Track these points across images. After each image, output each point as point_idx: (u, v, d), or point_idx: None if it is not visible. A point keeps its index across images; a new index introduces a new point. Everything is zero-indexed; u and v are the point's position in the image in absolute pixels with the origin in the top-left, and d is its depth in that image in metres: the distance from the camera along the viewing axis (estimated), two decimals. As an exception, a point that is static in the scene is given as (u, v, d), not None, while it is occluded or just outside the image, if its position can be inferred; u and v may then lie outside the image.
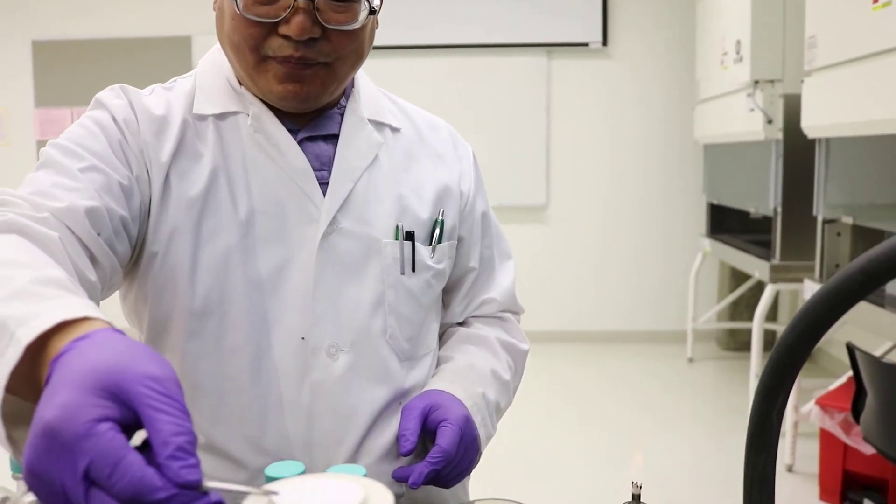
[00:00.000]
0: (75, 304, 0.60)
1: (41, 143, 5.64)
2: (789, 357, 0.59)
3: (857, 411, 2.55)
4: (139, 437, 0.50)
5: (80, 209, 0.86)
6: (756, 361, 3.78)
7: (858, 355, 2.52)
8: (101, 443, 0.48)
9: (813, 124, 3.08)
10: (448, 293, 1.18)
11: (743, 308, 5.10)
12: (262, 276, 0.98)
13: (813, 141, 3.16)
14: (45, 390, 0.52)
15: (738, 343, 5.19)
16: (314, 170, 1.01)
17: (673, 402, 4.26)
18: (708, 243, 4.71)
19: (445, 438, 0.93)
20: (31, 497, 0.75)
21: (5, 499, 0.77)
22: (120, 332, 0.57)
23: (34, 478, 0.49)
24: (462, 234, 1.14)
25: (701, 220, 5.04)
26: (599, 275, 5.53)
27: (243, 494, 0.48)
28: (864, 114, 2.66)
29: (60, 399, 0.49)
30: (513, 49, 5.35)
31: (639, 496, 0.83)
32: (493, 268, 1.19)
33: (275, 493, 0.46)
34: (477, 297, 1.18)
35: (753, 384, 3.77)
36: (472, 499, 1.03)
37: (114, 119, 0.96)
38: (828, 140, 3.04)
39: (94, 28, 5.45)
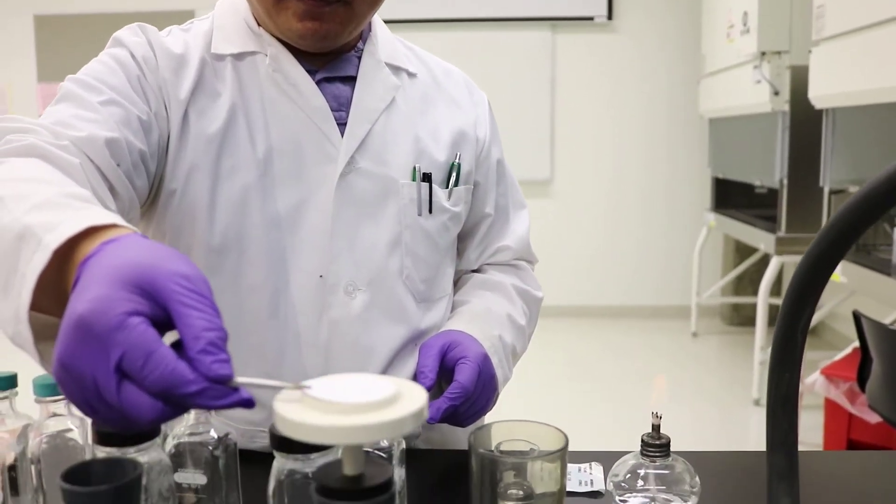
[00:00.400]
0: (102, 213, 0.60)
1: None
2: (815, 270, 0.59)
3: (862, 380, 2.56)
4: (169, 338, 0.50)
5: (99, 139, 0.86)
6: (761, 335, 3.79)
7: (865, 322, 2.52)
8: (134, 335, 0.48)
9: (820, 94, 3.07)
10: (463, 240, 1.18)
11: (747, 283, 5.10)
12: (280, 214, 0.98)
13: (819, 112, 3.15)
14: (74, 289, 0.52)
15: (741, 318, 5.20)
16: (332, 110, 1.01)
17: (677, 376, 4.27)
18: (713, 217, 4.70)
19: (464, 375, 0.93)
20: (51, 423, 0.75)
21: (27, 426, 0.77)
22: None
23: (65, 371, 0.49)
24: (478, 179, 1.15)
25: (705, 194, 5.03)
26: (604, 250, 5.53)
27: (275, 391, 0.48)
28: (872, 82, 2.65)
29: (92, 293, 0.49)
30: (517, 23, 5.32)
31: (658, 427, 0.83)
32: (508, 216, 1.19)
33: (307, 386, 0.47)
34: (492, 245, 1.18)
35: (758, 358, 3.78)
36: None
37: (132, 56, 0.96)
38: (834, 110, 3.03)
39: (96, 2, 5.42)
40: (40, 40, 5.56)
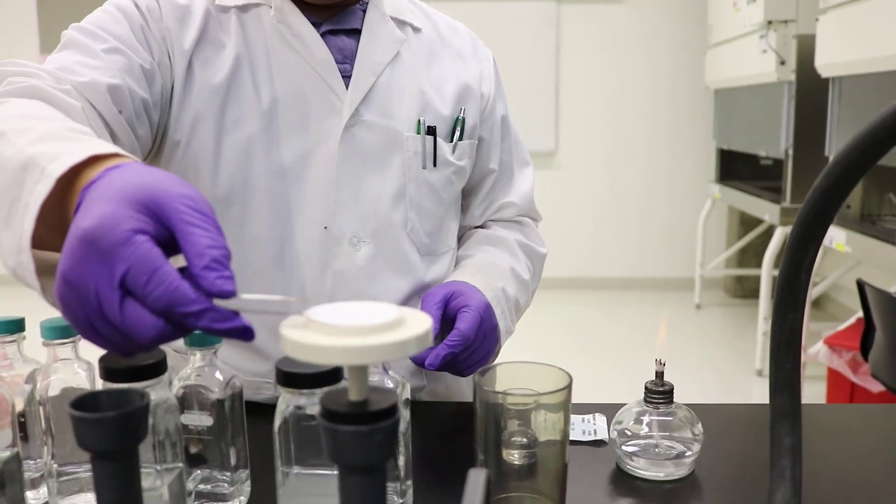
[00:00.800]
0: (105, 144, 0.59)
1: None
2: (820, 208, 0.59)
3: (865, 349, 2.56)
4: (175, 263, 0.50)
5: (102, 85, 0.86)
6: (764, 306, 3.79)
7: (869, 291, 2.52)
8: (139, 251, 0.48)
9: (826, 63, 3.05)
10: (467, 196, 1.18)
11: (751, 255, 5.10)
12: (285, 165, 0.99)
13: (826, 82, 3.13)
14: (77, 211, 0.51)
15: (745, 290, 5.20)
16: (337, 62, 1.01)
17: (681, 348, 4.28)
18: (717, 189, 4.69)
19: (465, 323, 0.94)
20: (59, 366, 0.76)
21: (35, 370, 0.78)
22: None
23: (67, 287, 0.49)
24: (482, 134, 1.14)
25: (710, 166, 5.02)
26: (608, 221, 5.52)
27: (281, 317, 0.48)
28: (879, 50, 2.63)
29: (99, 210, 0.49)
30: (522, -6, 5.28)
31: (662, 374, 0.83)
32: (512, 172, 1.19)
33: (310, 299, 0.47)
34: (496, 201, 1.18)
35: (762, 329, 3.78)
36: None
37: (136, 5, 0.96)
38: (841, 79, 3.01)
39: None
40: (42, 11, 5.52)
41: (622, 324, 4.75)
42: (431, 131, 1.05)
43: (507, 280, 1.09)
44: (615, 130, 5.44)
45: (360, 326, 0.46)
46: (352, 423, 0.46)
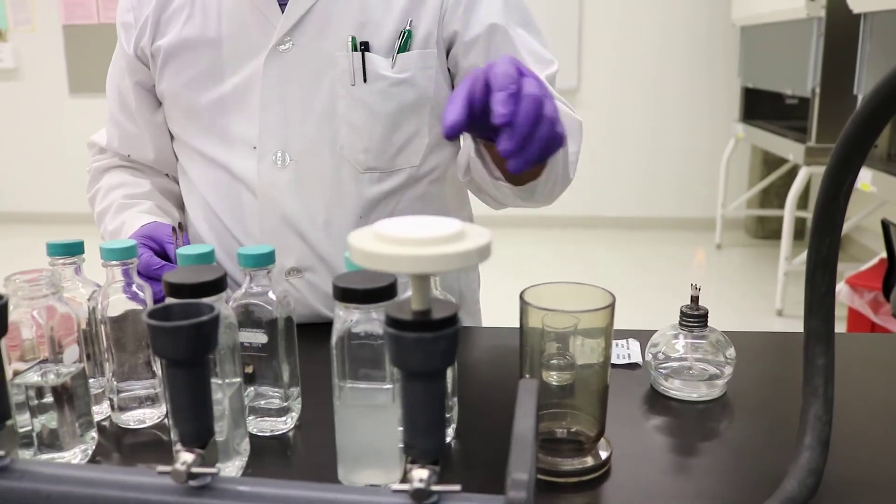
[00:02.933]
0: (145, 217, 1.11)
1: (66, 28, 5.61)
2: (862, 132, 0.60)
3: (887, 289, 2.57)
4: None
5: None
6: (786, 246, 3.79)
7: (893, 231, 2.52)
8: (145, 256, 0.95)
9: (859, -3, 2.99)
10: None
11: (773, 196, 5.07)
12: (225, 94, 1.10)
13: (856, 19, 3.07)
14: None
15: (766, 231, 5.19)
16: None
17: (701, 287, 4.29)
18: (741, 128, 4.65)
19: (495, 66, 0.72)
20: (117, 287, 0.79)
21: (95, 291, 0.81)
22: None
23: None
24: (457, 35, 1.09)
25: (734, 105, 4.96)
26: (629, 160, 5.49)
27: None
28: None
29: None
30: (546, -72, 5.18)
31: (697, 298, 0.86)
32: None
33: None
34: None
35: (783, 269, 3.79)
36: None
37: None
38: (874, 15, 2.96)
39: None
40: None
41: (641, 263, 4.76)
42: (364, 47, 1.06)
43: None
44: (639, 68, 5.38)
45: (424, 238, 0.48)
46: (417, 331, 0.49)
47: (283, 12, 1.06)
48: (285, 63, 1.06)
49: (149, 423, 0.85)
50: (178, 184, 1.23)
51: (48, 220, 5.79)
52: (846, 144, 0.61)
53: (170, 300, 0.67)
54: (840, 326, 3.19)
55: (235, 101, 1.09)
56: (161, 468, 0.57)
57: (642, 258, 4.88)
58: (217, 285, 0.68)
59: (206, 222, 1.15)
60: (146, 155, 1.23)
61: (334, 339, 0.68)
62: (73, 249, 0.81)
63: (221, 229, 1.14)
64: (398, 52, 1.07)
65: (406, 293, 0.57)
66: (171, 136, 1.20)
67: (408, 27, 1.07)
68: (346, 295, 0.66)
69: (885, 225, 2.52)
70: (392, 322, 0.50)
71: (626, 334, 1.05)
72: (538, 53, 1.11)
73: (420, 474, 0.52)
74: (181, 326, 0.53)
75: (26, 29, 5.71)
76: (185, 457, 0.56)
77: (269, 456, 0.78)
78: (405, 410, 0.52)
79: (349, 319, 0.67)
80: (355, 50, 1.06)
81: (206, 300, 0.67)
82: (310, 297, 1.12)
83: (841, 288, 3.01)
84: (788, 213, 3.77)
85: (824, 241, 0.67)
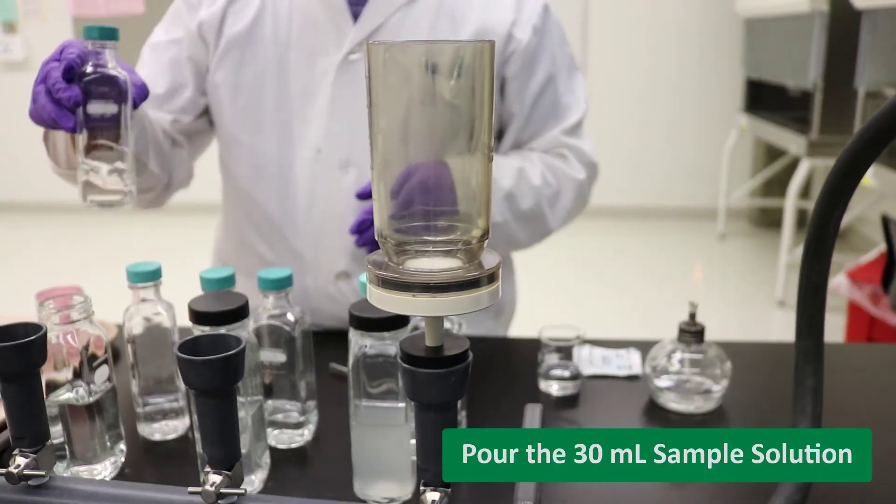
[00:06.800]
0: None
1: (76, 20, 5.62)
2: (853, 164, 0.63)
3: (886, 282, 2.61)
4: None
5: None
6: (788, 236, 3.82)
7: (893, 226, 2.56)
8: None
9: (862, -7, 3.00)
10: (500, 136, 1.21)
11: (776, 186, 5.09)
12: (291, 96, 1.12)
13: (859, 15, 3.09)
14: None
15: (769, 221, 5.21)
16: (352, 4, 1.10)
17: (704, 277, 4.33)
18: (744, 119, 4.67)
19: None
20: (142, 307, 0.83)
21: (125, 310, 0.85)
22: None
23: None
24: (506, 74, 1.15)
25: (737, 96, 4.98)
26: (632, 150, 5.51)
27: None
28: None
29: None
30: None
31: (694, 315, 0.90)
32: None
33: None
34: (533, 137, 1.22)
35: (785, 259, 3.82)
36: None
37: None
38: (876, 12, 2.98)
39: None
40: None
41: (644, 252, 4.79)
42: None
43: (505, 174, 1.11)
44: (643, 58, 5.39)
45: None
46: (429, 367, 0.53)
47: (353, 23, 1.10)
48: (354, 73, 1.10)
49: (173, 436, 0.89)
50: (175, 146, 1.19)
51: (60, 210, 5.83)
52: (838, 176, 0.65)
53: (195, 328, 0.71)
54: (840, 318, 3.23)
55: (301, 105, 1.12)
56: (192, 489, 0.62)
57: (646, 247, 4.91)
58: (240, 313, 0.72)
59: (250, 223, 1.18)
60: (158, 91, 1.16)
61: (351, 361, 0.72)
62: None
63: (268, 229, 1.16)
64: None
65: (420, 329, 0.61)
66: (210, 123, 1.21)
67: None
68: (360, 323, 0.70)
69: (886, 221, 2.56)
70: (406, 358, 0.54)
71: (626, 344, 1.08)
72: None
73: (433, 496, 0.56)
74: (210, 360, 0.58)
75: (36, 20, 5.72)
76: (214, 478, 0.61)
77: (287, 468, 0.83)
78: (419, 437, 0.56)
79: (364, 344, 0.71)
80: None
81: (230, 326, 0.72)
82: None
83: (841, 280, 3.05)
84: (790, 204, 3.79)
85: (814, 268, 0.71)
